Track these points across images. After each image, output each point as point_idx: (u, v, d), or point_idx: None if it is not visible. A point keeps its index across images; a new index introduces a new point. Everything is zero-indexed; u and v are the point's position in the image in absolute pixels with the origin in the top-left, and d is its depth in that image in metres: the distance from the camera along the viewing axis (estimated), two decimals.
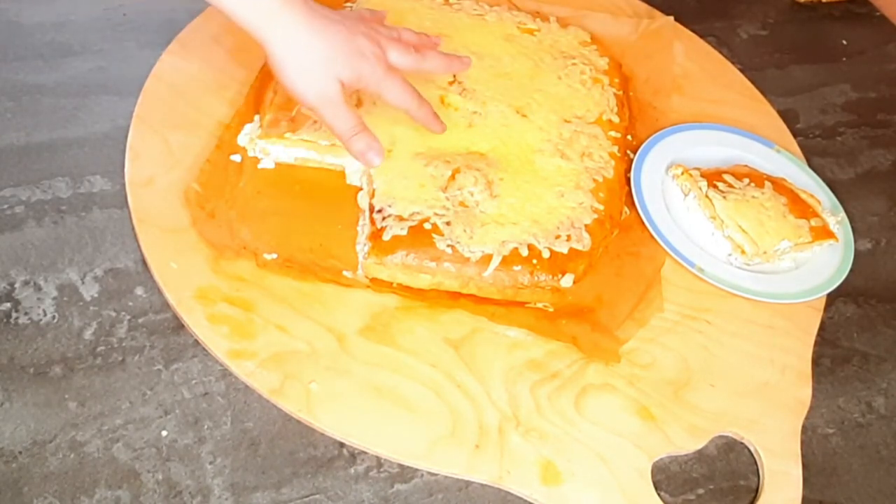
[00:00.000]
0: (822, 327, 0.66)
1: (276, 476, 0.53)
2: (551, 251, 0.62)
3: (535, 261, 0.61)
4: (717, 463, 0.58)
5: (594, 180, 0.67)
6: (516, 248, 0.61)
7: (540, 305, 0.63)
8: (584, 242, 0.63)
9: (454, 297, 0.62)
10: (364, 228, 0.63)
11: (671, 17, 0.86)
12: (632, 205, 0.69)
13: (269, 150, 0.67)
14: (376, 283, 0.61)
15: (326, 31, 0.59)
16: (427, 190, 0.63)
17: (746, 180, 0.70)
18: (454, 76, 0.72)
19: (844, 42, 0.95)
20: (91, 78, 0.72)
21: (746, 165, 0.73)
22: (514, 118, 0.70)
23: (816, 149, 0.81)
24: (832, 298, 0.68)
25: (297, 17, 0.58)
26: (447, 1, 0.80)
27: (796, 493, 0.56)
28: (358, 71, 0.59)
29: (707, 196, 0.69)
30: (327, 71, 0.59)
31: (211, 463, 0.53)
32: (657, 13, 0.87)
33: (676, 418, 0.58)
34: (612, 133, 0.72)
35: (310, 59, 0.58)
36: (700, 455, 0.58)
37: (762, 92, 0.84)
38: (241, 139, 0.68)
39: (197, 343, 0.57)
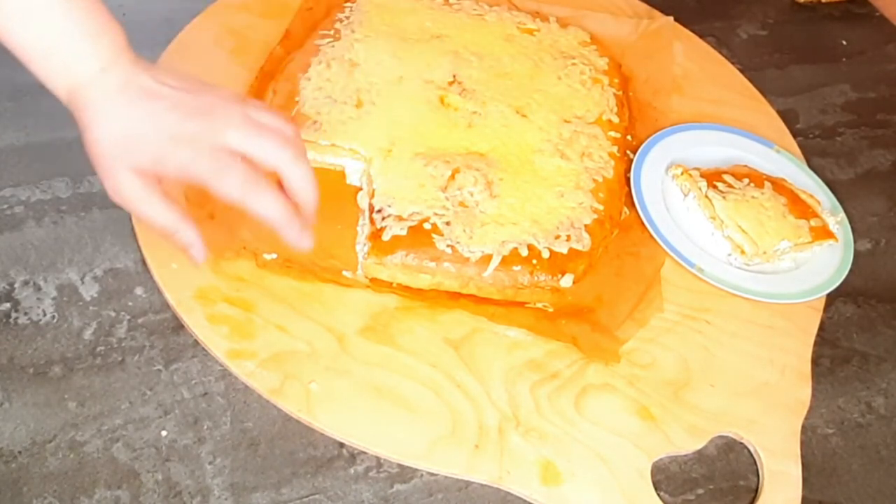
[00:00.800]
0: (822, 327, 0.66)
1: (276, 476, 0.53)
2: (551, 251, 0.62)
3: (534, 261, 0.61)
4: (716, 463, 0.58)
5: (594, 180, 0.67)
6: (516, 248, 0.61)
7: (540, 305, 0.63)
8: (583, 242, 0.64)
9: (454, 297, 0.62)
10: (364, 228, 0.63)
11: (671, 18, 0.86)
12: (632, 205, 0.69)
13: None
14: (376, 283, 0.61)
15: (130, 103, 0.47)
16: (427, 190, 0.63)
17: (746, 180, 0.70)
18: (454, 76, 0.72)
19: (844, 42, 0.95)
20: None
21: (746, 165, 0.73)
22: (513, 118, 0.70)
23: (816, 149, 0.81)
24: (832, 298, 0.68)
25: (111, 84, 0.47)
26: (447, 1, 0.80)
27: (796, 493, 0.56)
28: (160, 162, 0.47)
29: (707, 196, 0.69)
30: (121, 159, 0.47)
31: (211, 463, 0.53)
32: (657, 13, 0.87)
33: (676, 418, 0.58)
34: (612, 133, 0.72)
35: (99, 153, 0.47)
36: (700, 455, 0.58)
37: (762, 92, 0.84)
38: None
39: (197, 343, 0.57)
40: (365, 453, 0.54)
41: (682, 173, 0.71)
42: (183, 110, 0.48)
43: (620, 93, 0.76)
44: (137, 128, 0.47)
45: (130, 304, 0.59)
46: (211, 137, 0.48)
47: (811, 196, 0.71)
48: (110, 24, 0.49)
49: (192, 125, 0.48)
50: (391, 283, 0.61)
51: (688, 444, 0.57)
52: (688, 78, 0.82)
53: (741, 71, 0.85)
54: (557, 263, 0.62)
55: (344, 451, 0.55)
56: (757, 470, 0.58)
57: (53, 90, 0.48)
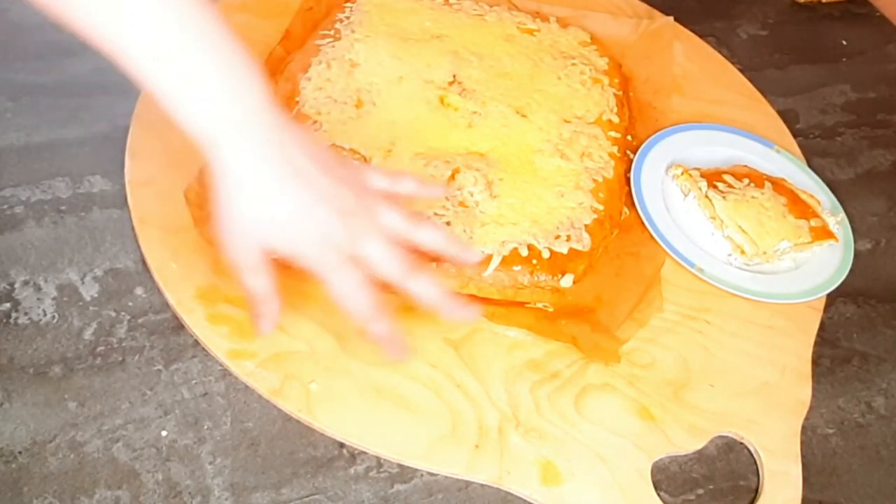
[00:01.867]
0: (822, 327, 0.66)
1: (276, 476, 0.53)
2: (551, 251, 0.62)
3: (534, 261, 0.61)
4: (716, 463, 0.58)
5: (594, 180, 0.67)
6: (516, 248, 0.61)
7: (540, 305, 0.63)
8: (583, 242, 0.63)
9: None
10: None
11: (671, 18, 0.86)
12: (632, 205, 0.69)
13: None
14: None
15: (278, 187, 0.47)
16: None
17: (746, 180, 0.70)
18: (454, 76, 0.72)
19: (844, 42, 0.95)
20: (91, 78, 0.72)
21: (746, 165, 0.73)
22: (513, 118, 0.70)
23: (816, 149, 0.81)
24: (832, 298, 0.68)
25: (250, 150, 0.46)
26: (447, 1, 0.80)
27: (796, 493, 0.56)
28: (297, 251, 0.50)
29: (707, 196, 0.69)
30: (253, 237, 0.49)
31: (211, 463, 0.53)
32: (657, 13, 0.87)
33: (676, 418, 0.58)
34: (612, 133, 0.72)
35: (239, 213, 0.48)
36: (700, 455, 0.58)
37: (762, 92, 0.84)
38: None
39: (197, 343, 0.57)
40: (365, 453, 0.54)
41: (682, 173, 0.71)
42: (328, 207, 0.48)
43: (620, 93, 0.76)
44: (284, 219, 0.48)
45: (130, 304, 0.59)
46: (349, 246, 0.49)
47: (811, 196, 0.71)
48: (252, 69, 0.47)
49: (335, 232, 0.49)
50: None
51: (688, 444, 0.57)
52: (688, 78, 0.82)
53: (741, 71, 0.85)
54: (557, 263, 0.62)
55: (344, 451, 0.55)
56: (757, 470, 0.58)
57: (186, 129, 0.47)
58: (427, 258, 0.56)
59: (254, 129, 0.47)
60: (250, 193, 0.47)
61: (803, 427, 0.60)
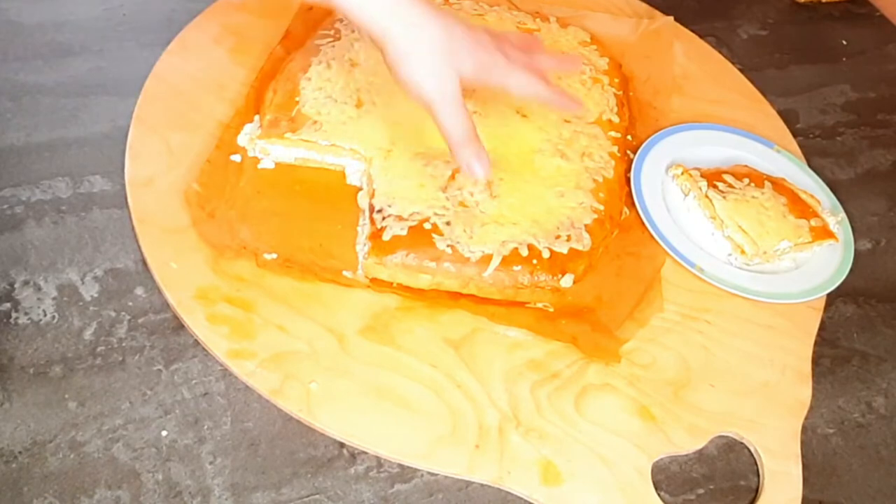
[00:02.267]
0: (822, 327, 0.66)
1: (276, 476, 0.53)
2: (551, 251, 0.62)
3: (535, 261, 0.61)
4: (717, 463, 0.58)
5: (594, 180, 0.67)
6: (516, 248, 0.61)
7: (540, 305, 0.63)
8: (584, 242, 0.64)
9: (454, 297, 0.62)
10: (364, 228, 0.63)
11: (671, 18, 0.86)
12: (632, 205, 0.69)
13: (269, 150, 0.67)
14: (376, 283, 0.61)
15: (447, 23, 0.57)
16: (427, 190, 0.63)
17: (746, 180, 0.70)
18: None
19: (844, 42, 0.95)
20: (91, 78, 0.72)
21: (746, 165, 0.73)
22: (514, 118, 0.70)
23: (816, 149, 0.81)
24: (832, 298, 0.68)
25: (417, 10, 0.56)
26: (447, 1, 0.80)
27: (796, 493, 0.56)
28: (481, 63, 0.58)
29: (707, 196, 0.69)
30: (448, 63, 0.57)
31: (211, 463, 0.53)
32: (657, 13, 0.87)
33: (676, 418, 0.58)
34: (612, 133, 0.72)
35: (430, 50, 0.56)
36: (700, 455, 0.58)
37: (762, 92, 0.84)
38: (241, 139, 0.68)
39: (197, 343, 0.57)
40: (365, 453, 0.54)
41: (682, 173, 0.71)
42: (479, 28, 0.60)
43: (620, 93, 0.76)
44: (460, 37, 0.57)
45: (130, 304, 0.59)
46: (502, 48, 0.60)
47: (811, 196, 0.71)
48: None
49: (489, 40, 0.59)
50: (391, 283, 0.61)
51: (688, 444, 0.57)
52: (688, 78, 0.82)
53: (741, 71, 0.85)
54: (557, 263, 0.62)
55: (344, 451, 0.55)
56: (757, 470, 0.58)
57: (363, 21, 0.56)
58: None
59: (411, 4, 0.56)
60: (426, 35, 0.56)
61: (803, 427, 0.60)
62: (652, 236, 0.67)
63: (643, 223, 0.68)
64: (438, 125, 0.58)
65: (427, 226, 0.61)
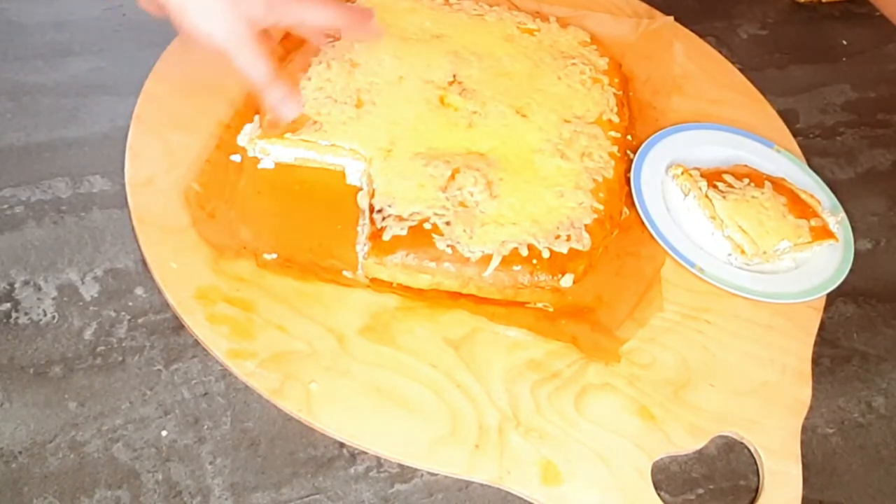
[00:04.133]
0: (822, 327, 0.66)
1: (276, 476, 0.53)
2: (551, 251, 0.62)
3: (534, 261, 0.61)
4: (717, 463, 0.58)
5: (594, 180, 0.67)
6: (516, 248, 0.61)
7: (540, 305, 0.63)
8: (583, 242, 0.64)
9: (454, 297, 0.62)
10: (364, 228, 0.63)
11: (671, 17, 0.86)
12: (632, 205, 0.69)
13: (269, 150, 0.67)
14: (376, 283, 0.61)
15: None
16: (427, 190, 0.63)
17: (746, 180, 0.70)
18: (454, 76, 0.72)
19: (844, 42, 0.95)
20: (91, 78, 0.72)
21: (746, 165, 0.73)
22: (513, 118, 0.70)
23: (816, 149, 0.81)
24: (832, 298, 0.68)
25: None
26: (447, 1, 0.80)
27: (796, 493, 0.56)
28: (269, 1, 0.55)
29: (707, 196, 0.69)
30: (234, 5, 0.54)
31: (211, 463, 0.53)
32: (657, 13, 0.87)
33: (676, 418, 0.58)
34: (612, 133, 0.72)
35: None
36: (700, 455, 0.58)
37: (762, 92, 0.84)
38: (241, 139, 0.68)
39: (197, 343, 0.57)
40: (365, 453, 0.54)
41: (682, 173, 0.71)
42: None
43: (620, 93, 0.76)
44: None
45: (130, 304, 0.59)
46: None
47: (811, 196, 0.71)
48: None
49: None
50: (391, 283, 0.62)
51: (688, 443, 0.57)
52: (688, 78, 0.82)
53: (741, 71, 0.85)
54: (557, 263, 0.62)
55: (344, 451, 0.55)
56: (757, 470, 0.58)
57: None
58: None
59: None
60: None
61: (803, 427, 0.60)
62: (652, 236, 0.67)
63: (643, 223, 0.68)
64: (239, 71, 0.56)
65: (427, 226, 0.61)
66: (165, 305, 0.59)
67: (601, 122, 0.72)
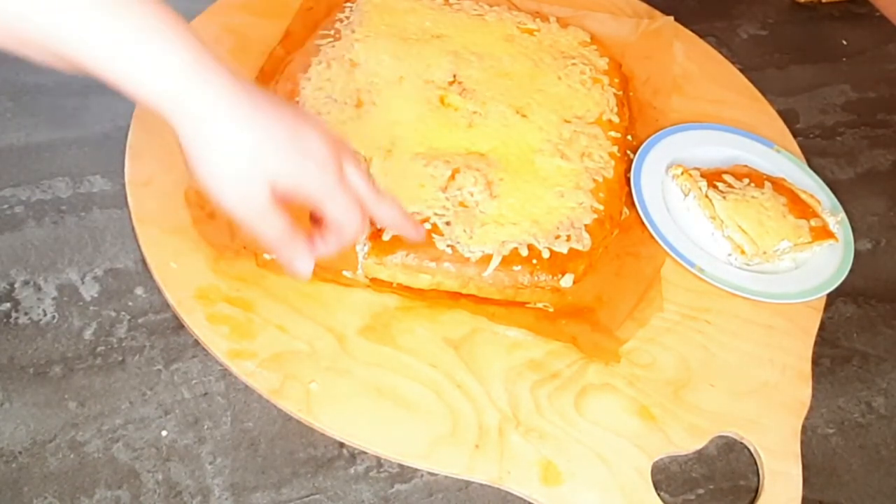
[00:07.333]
0: (822, 327, 0.66)
1: (276, 476, 0.53)
2: (551, 251, 0.62)
3: (534, 261, 0.61)
4: (717, 463, 0.58)
5: (594, 180, 0.67)
6: (516, 248, 0.61)
7: (540, 305, 0.63)
8: (583, 242, 0.64)
9: (454, 297, 0.62)
10: (364, 228, 0.63)
11: (671, 17, 0.86)
12: (632, 205, 0.69)
13: None
14: (376, 283, 0.61)
15: (258, 117, 0.45)
16: (427, 190, 0.63)
17: (746, 180, 0.70)
18: (454, 76, 0.72)
19: (844, 42, 0.95)
20: (91, 78, 0.72)
21: (746, 165, 0.73)
22: (514, 118, 0.70)
23: (816, 149, 0.81)
24: (832, 298, 0.68)
25: (217, 96, 0.43)
26: (447, 1, 0.80)
27: (796, 493, 0.56)
28: (300, 174, 0.46)
29: (707, 196, 0.69)
30: (256, 172, 0.45)
31: (211, 463, 0.53)
32: (657, 13, 0.87)
33: (676, 418, 0.58)
34: (612, 133, 0.72)
35: (232, 154, 0.44)
36: (700, 455, 0.58)
37: (762, 92, 0.84)
38: None
39: (197, 343, 0.57)
40: (365, 453, 0.54)
41: (682, 173, 0.71)
42: (315, 127, 0.48)
43: (620, 93, 0.76)
44: (274, 139, 0.45)
45: (130, 304, 0.59)
46: (334, 160, 0.48)
47: (811, 196, 0.71)
48: (182, 25, 0.44)
49: (319, 146, 0.47)
50: (391, 283, 0.61)
51: (688, 444, 0.57)
52: (688, 78, 0.82)
53: (741, 71, 0.85)
54: (557, 263, 0.62)
55: (344, 451, 0.55)
56: (757, 470, 0.58)
57: (140, 99, 0.43)
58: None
59: (211, 75, 0.43)
60: (238, 129, 0.44)
61: (803, 427, 0.60)
62: (652, 236, 0.67)
63: (643, 223, 0.68)
64: (253, 235, 0.49)
65: (427, 226, 0.61)
66: (165, 305, 0.59)
67: (601, 123, 0.72)
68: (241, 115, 0.44)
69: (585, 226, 0.64)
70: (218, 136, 0.44)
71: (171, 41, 0.43)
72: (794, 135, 0.81)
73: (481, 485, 0.54)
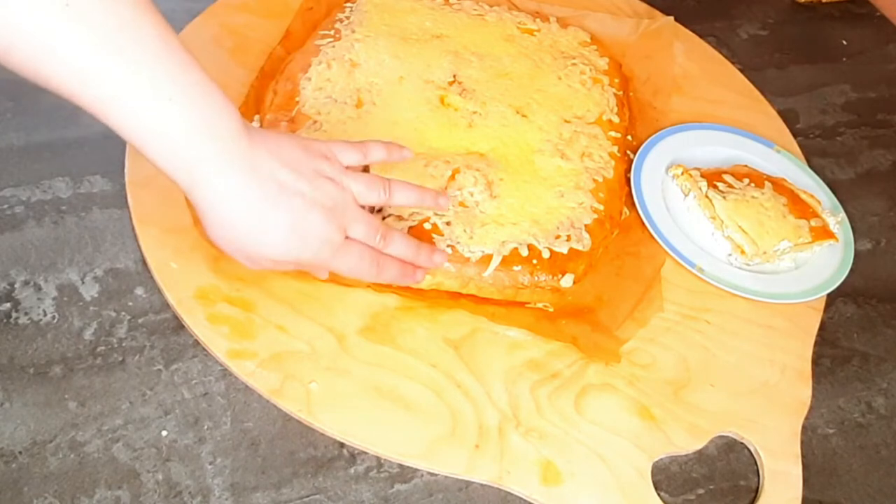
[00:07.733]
0: (822, 327, 0.66)
1: (276, 476, 0.53)
2: (551, 251, 0.62)
3: (535, 261, 0.61)
4: (717, 463, 0.58)
5: (594, 180, 0.67)
6: (516, 249, 0.61)
7: (540, 305, 0.63)
8: (584, 242, 0.64)
9: (454, 297, 0.62)
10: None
11: (671, 18, 0.86)
12: (632, 205, 0.69)
13: None
14: (376, 283, 0.61)
15: (271, 205, 0.49)
16: None
17: (746, 180, 0.70)
18: (454, 76, 0.72)
19: (844, 42, 0.95)
20: None
21: (746, 165, 0.73)
22: (514, 118, 0.70)
23: (816, 149, 0.81)
24: (832, 298, 0.68)
25: (233, 178, 0.47)
26: (447, 1, 0.80)
27: (796, 493, 0.56)
28: (299, 258, 0.51)
29: (707, 196, 0.69)
30: (257, 257, 0.51)
31: (211, 463, 0.53)
32: (657, 13, 0.87)
33: (676, 418, 0.58)
34: (612, 133, 0.72)
35: (239, 237, 0.49)
36: (700, 455, 0.58)
37: (762, 92, 0.84)
38: None
39: (197, 343, 0.57)
40: (365, 453, 0.54)
41: (682, 173, 0.71)
42: (317, 209, 0.50)
43: (620, 93, 0.76)
44: (283, 234, 0.50)
45: (130, 304, 0.59)
46: (340, 235, 0.52)
47: (811, 196, 0.71)
48: (216, 94, 0.47)
49: (329, 229, 0.51)
50: (391, 283, 0.61)
51: (688, 444, 0.57)
52: (688, 78, 0.82)
53: (741, 71, 0.85)
54: (557, 263, 0.62)
55: (344, 451, 0.55)
56: (757, 470, 0.58)
57: (166, 171, 0.46)
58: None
59: (230, 156, 0.47)
60: (243, 221, 0.49)
61: (803, 427, 0.60)
62: (652, 236, 0.67)
63: (643, 223, 0.68)
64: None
65: (427, 226, 0.61)
66: (165, 305, 0.59)
67: (601, 123, 0.72)
68: (254, 206, 0.48)
69: (585, 226, 0.64)
70: (228, 222, 0.49)
71: (206, 112, 0.46)
72: (794, 135, 0.81)
73: (481, 485, 0.54)
